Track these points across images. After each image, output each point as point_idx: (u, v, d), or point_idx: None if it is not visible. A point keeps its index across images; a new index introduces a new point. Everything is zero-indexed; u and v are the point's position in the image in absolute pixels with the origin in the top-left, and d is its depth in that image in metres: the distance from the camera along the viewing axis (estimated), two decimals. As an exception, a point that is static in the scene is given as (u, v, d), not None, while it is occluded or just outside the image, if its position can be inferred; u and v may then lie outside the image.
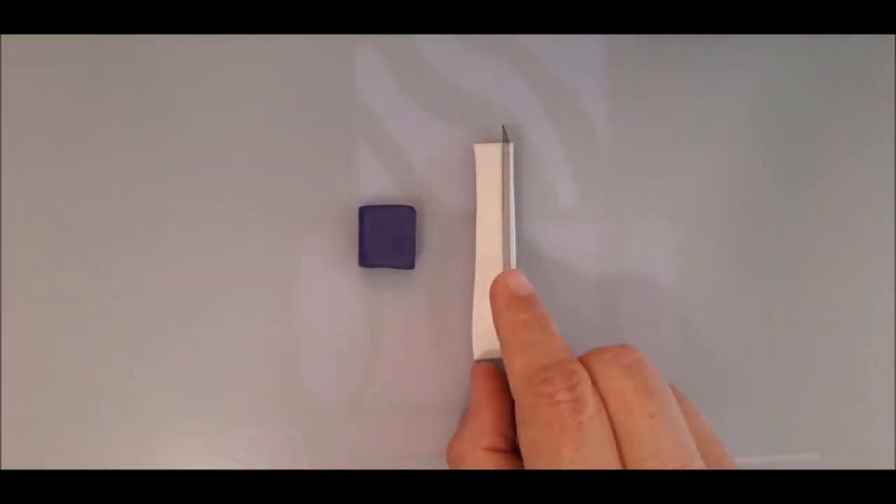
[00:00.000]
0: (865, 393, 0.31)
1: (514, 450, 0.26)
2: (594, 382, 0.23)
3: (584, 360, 0.24)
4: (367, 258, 0.28)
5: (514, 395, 0.24)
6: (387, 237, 0.28)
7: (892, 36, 0.31)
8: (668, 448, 0.22)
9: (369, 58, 0.30)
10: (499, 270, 0.29)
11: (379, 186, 0.30)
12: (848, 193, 0.31)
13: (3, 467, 0.27)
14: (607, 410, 0.23)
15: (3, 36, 0.29)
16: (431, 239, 0.30)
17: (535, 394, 0.23)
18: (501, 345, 0.26)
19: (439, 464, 0.29)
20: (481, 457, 0.25)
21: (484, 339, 0.29)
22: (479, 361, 0.29)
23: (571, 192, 0.30)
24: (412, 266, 0.29)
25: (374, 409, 0.29)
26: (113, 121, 0.29)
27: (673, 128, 0.31)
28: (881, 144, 0.31)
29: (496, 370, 0.28)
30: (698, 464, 0.22)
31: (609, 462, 0.22)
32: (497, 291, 0.27)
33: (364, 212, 0.29)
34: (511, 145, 0.29)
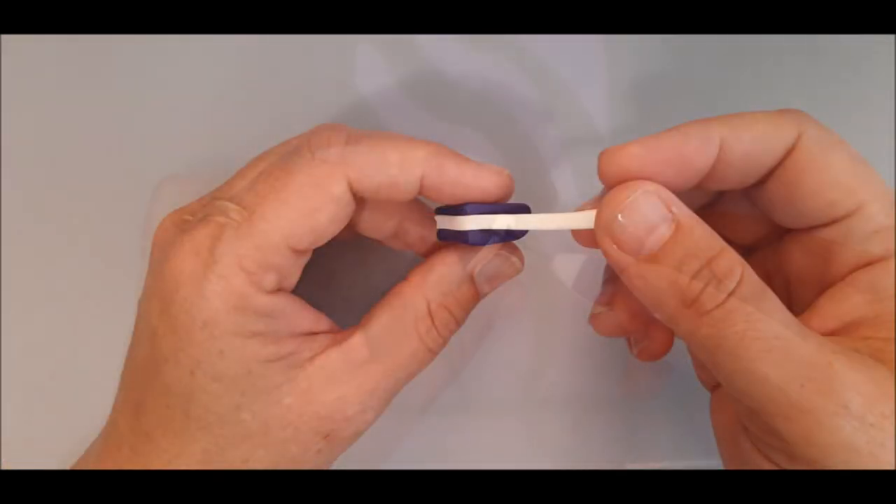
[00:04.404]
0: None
1: None
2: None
3: None
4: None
5: None
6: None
7: (892, 36, 0.31)
8: None
9: (369, 58, 0.30)
10: None
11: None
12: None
13: (3, 467, 0.27)
14: None
15: (3, 36, 0.29)
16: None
17: None
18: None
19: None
20: None
21: None
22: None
23: (572, 191, 0.30)
24: None
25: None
26: (113, 121, 0.29)
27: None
28: (880, 144, 0.31)
29: None
30: None
31: None
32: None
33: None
34: None
